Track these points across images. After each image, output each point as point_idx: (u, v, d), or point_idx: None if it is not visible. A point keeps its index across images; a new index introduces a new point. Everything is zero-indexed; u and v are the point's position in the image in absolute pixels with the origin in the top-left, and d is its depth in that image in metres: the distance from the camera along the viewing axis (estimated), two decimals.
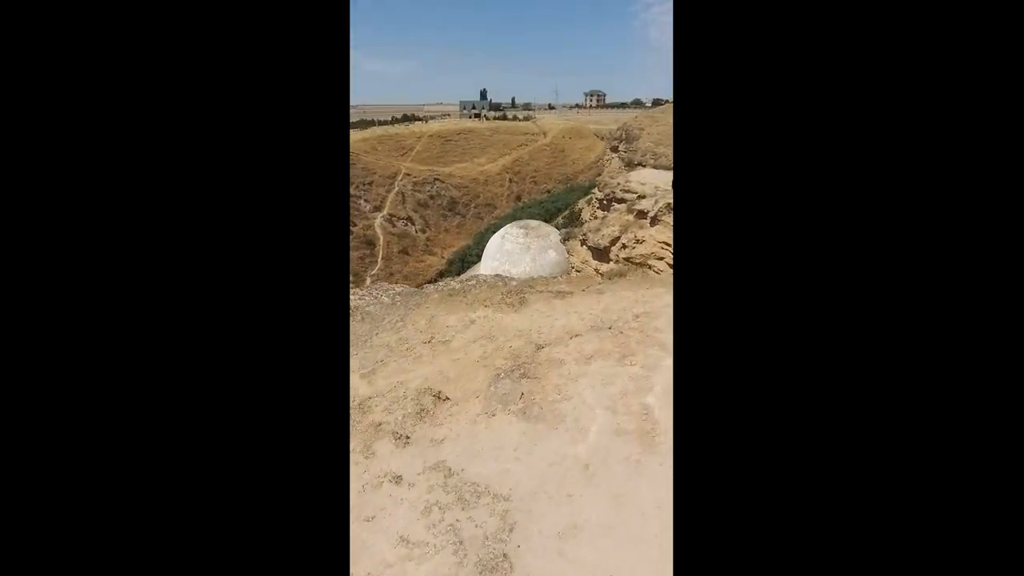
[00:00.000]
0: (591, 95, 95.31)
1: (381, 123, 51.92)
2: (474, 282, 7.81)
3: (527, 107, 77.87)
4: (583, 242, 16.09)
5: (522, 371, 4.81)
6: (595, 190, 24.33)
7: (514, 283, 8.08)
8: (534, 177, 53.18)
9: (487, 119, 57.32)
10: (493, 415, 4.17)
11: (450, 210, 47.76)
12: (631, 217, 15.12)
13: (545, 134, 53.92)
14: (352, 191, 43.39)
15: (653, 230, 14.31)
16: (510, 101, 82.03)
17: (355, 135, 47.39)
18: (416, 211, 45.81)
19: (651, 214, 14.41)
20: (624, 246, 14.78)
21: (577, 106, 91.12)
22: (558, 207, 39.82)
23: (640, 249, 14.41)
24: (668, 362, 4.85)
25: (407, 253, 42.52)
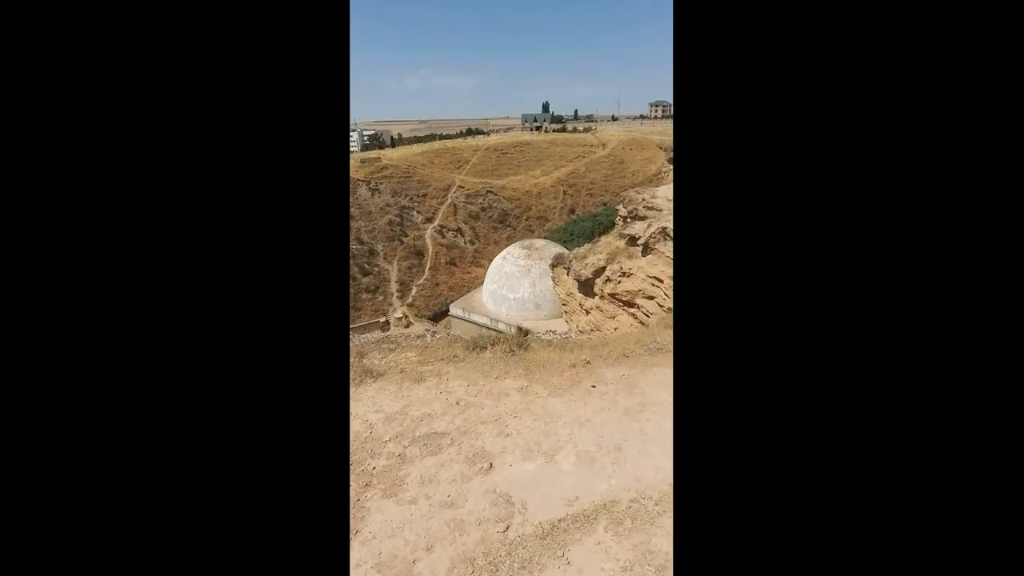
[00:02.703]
0: (656, 105, 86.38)
1: (442, 137, 51.65)
2: None
3: (589, 119, 73.27)
4: (567, 270, 13.07)
5: None
6: (620, 206, 20.85)
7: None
8: (590, 189, 49.68)
9: (547, 131, 54.83)
10: None
11: (500, 222, 45.93)
12: (622, 243, 11.86)
13: (604, 145, 50.19)
14: (406, 203, 43.26)
15: (644, 261, 10.95)
16: (572, 113, 78.15)
17: (413, 149, 47.41)
18: (467, 223, 44.56)
19: (642, 240, 11.07)
20: (608, 279, 11.57)
21: (642, 117, 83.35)
22: (613, 221, 36.21)
23: (626, 284, 11.13)
24: None
25: (454, 264, 41.35)
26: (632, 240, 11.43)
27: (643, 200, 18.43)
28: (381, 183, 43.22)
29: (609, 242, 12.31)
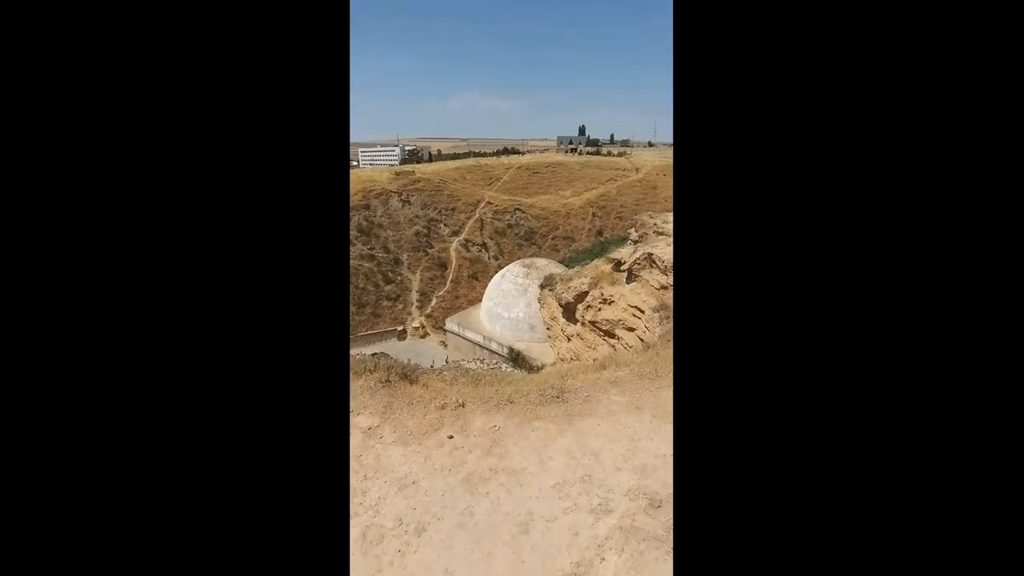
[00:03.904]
0: None
1: (476, 155, 52.09)
2: None
3: (625, 143, 71.83)
4: (552, 292, 12.17)
5: None
6: (631, 230, 19.71)
7: None
8: (620, 212, 48.44)
9: (581, 153, 54.25)
10: None
11: (526, 239, 45.43)
12: (607, 268, 10.89)
13: (638, 170, 49.00)
14: (434, 215, 43.66)
15: (627, 288, 9.94)
16: (608, 138, 77.05)
17: (448, 164, 47.99)
18: (492, 238, 44.35)
19: (626, 265, 10.08)
20: (589, 305, 10.60)
21: None
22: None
23: (607, 312, 10.13)
24: None
25: (476, 278, 41.03)
26: (617, 265, 10.45)
27: (654, 224, 17.23)
28: (412, 195, 43.86)
29: (596, 265, 11.36)
